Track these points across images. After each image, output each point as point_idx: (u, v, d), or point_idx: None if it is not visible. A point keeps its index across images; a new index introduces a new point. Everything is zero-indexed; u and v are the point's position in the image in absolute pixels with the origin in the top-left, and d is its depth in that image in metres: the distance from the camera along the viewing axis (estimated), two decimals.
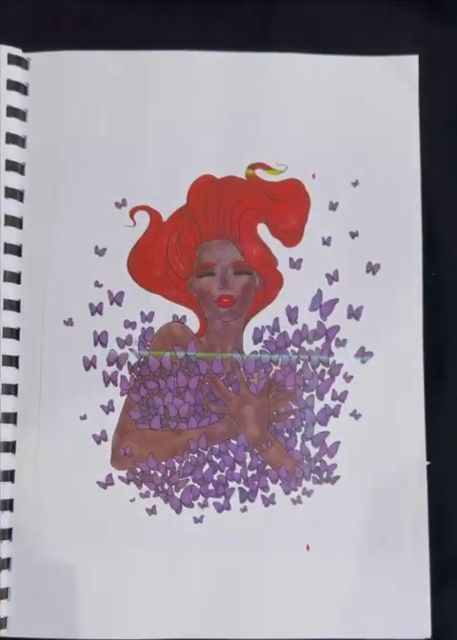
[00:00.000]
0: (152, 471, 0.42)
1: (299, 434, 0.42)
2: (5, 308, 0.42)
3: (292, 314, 0.43)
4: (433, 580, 0.42)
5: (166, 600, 0.41)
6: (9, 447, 0.42)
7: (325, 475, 0.42)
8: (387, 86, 0.44)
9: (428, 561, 0.42)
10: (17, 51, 0.44)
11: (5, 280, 0.43)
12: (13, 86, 0.43)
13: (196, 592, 0.41)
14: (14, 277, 0.43)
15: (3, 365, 0.42)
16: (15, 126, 0.43)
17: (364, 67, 0.44)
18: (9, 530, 0.42)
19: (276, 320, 0.43)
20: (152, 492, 0.42)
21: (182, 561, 0.42)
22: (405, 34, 0.45)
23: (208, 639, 0.41)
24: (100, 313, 0.43)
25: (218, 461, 0.42)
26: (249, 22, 0.45)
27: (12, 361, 0.42)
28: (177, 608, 0.41)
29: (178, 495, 0.42)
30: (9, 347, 0.42)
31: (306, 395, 0.43)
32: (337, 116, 0.44)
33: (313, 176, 0.44)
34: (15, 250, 0.43)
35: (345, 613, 0.41)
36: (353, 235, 0.43)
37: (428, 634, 0.41)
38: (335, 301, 0.43)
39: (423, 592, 0.41)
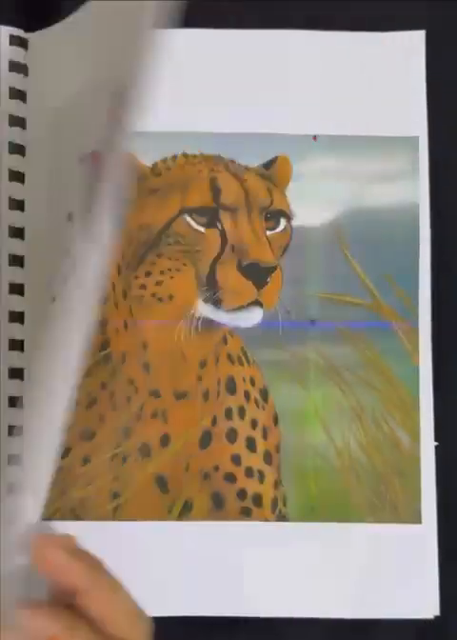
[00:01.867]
0: None
1: None
2: (10, 292, 0.42)
3: None
4: (442, 558, 0.42)
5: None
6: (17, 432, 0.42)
7: None
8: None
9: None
10: (18, 32, 0.43)
11: (10, 264, 0.42)
12: (14, 67, 0.43)
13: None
14: (18, 260, 0.43)
15: (9, 349, 0.42)
16: (17, 107, 0.43)
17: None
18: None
19: None
20: None
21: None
22: (411, 9, 0.44)
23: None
24: None
25: None
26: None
27: (16, 345, 0.42)
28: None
29: None
30: (13, 330, 0.42)
31: None
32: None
33: None
34: (19, 232, 0.43)
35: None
36: None
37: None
38: None
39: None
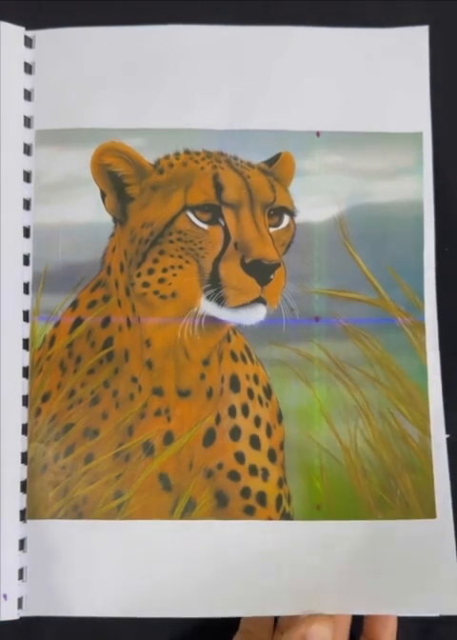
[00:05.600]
0: None
1: None
2: (24, 292, 0.43)
3: None
4: None
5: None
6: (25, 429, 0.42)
7: None
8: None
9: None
10: (20, 30, 0.43)
11: (24, 264, 0.43)
12: (20, 66, 0.43)
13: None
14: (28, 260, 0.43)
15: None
16: (24, 106, 0.43)
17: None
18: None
19: None
20: None
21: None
22: (414, 5, 0.44)
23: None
24: None
25: None
26: None
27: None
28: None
29: None
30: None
31: None
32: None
33: None
34: (28, 232, 0.43)
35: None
36: None
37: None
38: None
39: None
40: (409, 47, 0.44)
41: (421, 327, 0.42)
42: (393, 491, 0.42)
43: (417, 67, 0.44)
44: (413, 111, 0.43)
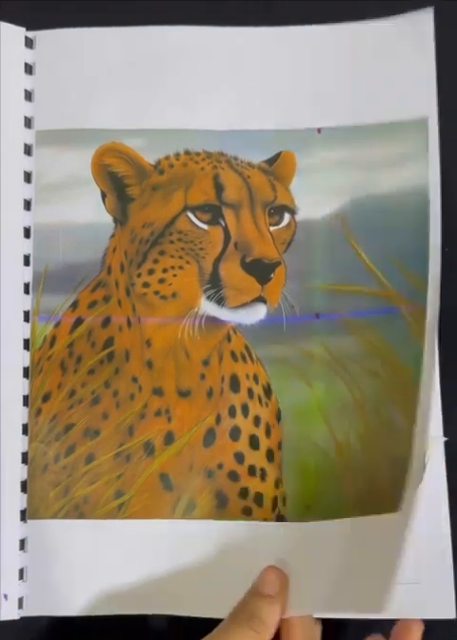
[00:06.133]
0: None
1: None
2: (24, 292, 0.43)
3: None
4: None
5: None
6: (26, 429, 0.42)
7: None
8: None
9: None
10: (21, 30, 0.44)
11: (24, 264, 0.43)
12: (21, 66, 0.43)
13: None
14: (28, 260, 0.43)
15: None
16: (24, 107, 0.43)
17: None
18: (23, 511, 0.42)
19: None
20: None
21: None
22: (414, 5, 0.43)
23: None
24: None
25: None
26: None
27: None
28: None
29: None
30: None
31: None
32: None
33: None
34: (28, 233, 0.43)
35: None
36: None
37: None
38: None
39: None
40: (415, 30, 0.43)
41: (422, 313, 0.41)
42: (386, 489, 0.41)
43: (422, 51, 0.43)
44: (419, 97, 0.43)
